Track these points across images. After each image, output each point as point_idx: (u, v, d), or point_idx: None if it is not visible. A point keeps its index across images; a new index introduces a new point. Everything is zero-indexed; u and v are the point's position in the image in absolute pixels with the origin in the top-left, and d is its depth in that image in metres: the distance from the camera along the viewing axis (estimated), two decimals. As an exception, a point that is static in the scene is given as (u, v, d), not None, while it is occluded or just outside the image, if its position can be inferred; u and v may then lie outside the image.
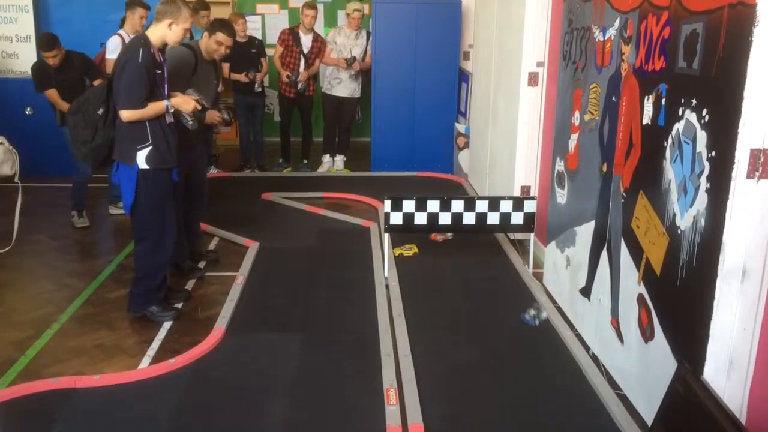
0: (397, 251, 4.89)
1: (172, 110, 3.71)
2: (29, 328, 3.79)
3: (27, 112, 6.88)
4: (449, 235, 5.09)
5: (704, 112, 2.43)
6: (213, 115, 4.25)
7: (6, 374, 3.29)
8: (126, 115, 3.55)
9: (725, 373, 2.42)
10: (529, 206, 4.55)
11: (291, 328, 3.81)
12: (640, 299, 2.93)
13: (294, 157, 7.67)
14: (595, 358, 3.45)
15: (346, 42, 7.17)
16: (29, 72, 6.07)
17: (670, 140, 2.67)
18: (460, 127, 7.24)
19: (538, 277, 4.52)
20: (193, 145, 4.29)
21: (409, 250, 4.93)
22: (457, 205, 4.54)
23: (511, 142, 5.22)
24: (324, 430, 2.89)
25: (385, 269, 4.57)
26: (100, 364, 3.42)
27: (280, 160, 7.66)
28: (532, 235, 4.69)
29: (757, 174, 2.25)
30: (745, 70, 2.19)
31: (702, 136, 2.44)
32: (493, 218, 4.57)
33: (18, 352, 3.51)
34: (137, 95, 3.53)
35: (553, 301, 4.13)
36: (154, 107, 3.61)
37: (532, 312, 3.84)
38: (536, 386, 3.23)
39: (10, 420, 2.91)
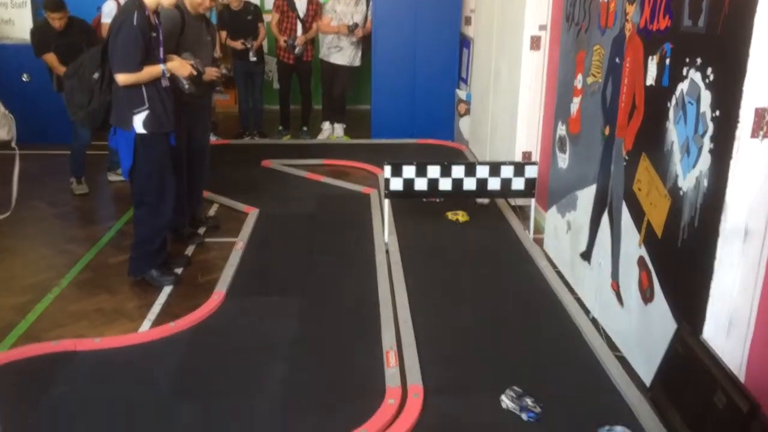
0: (449, 214, 4.90)
1: (168, 74, 3.67)
2: (29, 292, 3.79)
3: (24, 79, 6.82)
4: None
5: (709, 71, 2.39)
6: (211, 72, 4.18)
7: (7, 338, 3.30)
8: (122, 78, 3.51)
9: (725, 333, 2.42)
10: (531, 171, 4.51)
11: (291, 292, 3.81)
12: (641, 262, 2.93)
13: (294, 124, 7.62)
14: (594, 322, 3.46)
15: (346, 9, 7.06)
16: (25, 38, 6.00)
17: (673, 101, 2.63)
18: (461, 93, 7.18)
19: (539, 242, 4.51)
20: (191, 111, 4.24)
21: (455, 215, 4.90)
22: (458, 171, 4.51)
23: (513, 107, 5.17)
24: (324, 392, 2.90)
25: (385, 235, 4.56)
26: (100, 328, 3.43)
27: (280, 128, 7.62)
28: (533, 201, 4.66)
29: (761, 133, 2.22)
30: (751, 27, 2.16)
31: (706, 96, 2.40)
32: (494, 183, 4.54)
33: (18, 316, 3.52)
34: (132, 58, 3.48)
35: (554, 266, 4.13)
36: (150, 71, 3.56)
37: (529, 402, 2.76)
38: (535, 349, 3.24)
39: (11, 382, 2.92)
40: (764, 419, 2.07)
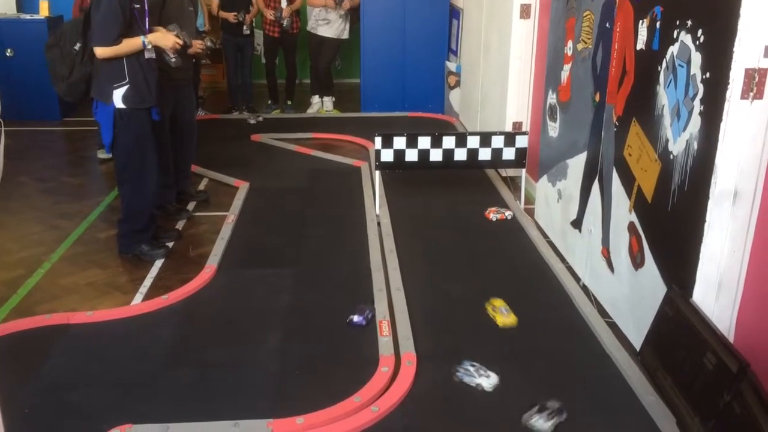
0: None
1: (150, 46, 3.58)
2: (20, 267, 3.77)
3: (8, 54, 6.71)
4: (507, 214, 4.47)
5: (699, 32, 2.38)
6: (197, 45, 4.09)
7: (-2, 312, 3.30)
8: (99, 51, 3.45)
9: (714, 295, 2.44)
10: (521, 141, 4.51)
11: (283, 264, 3.81)
12: (631, 227, 2.94)
13: (282, 98, 7.56)
14: (585, 289, 3.48)
15: (334, -19, 6.98)
16: (7, 13, 5.88)
17: (664, 64, 2.63)
18: (451, 65, 7.13)
19: (530, 212, 4.52)
20: (177, 85, 4.20)
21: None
22: (449, 141, 4.49)
23: (503, 77, 5.15)
24: (318, 362, 2.91)
25: (376, 207, 4.55)
26: (92, 302, 3.41)
27: (269, 102, 7.56)
28: (523, 171, 4.66)
29: (751, 94, 2.22)
30: (742, -13, 2.14)
31: (696, 58, 2.40)
32: (484, 154, 4.53)
33: (9, 290, 3.50)
34: (109, 31, 3.41)
35: (545, 235, 4.14)
36: (129, 44, 3.49)
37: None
38: (526, 317, 3.25)
39: (4, 355, 2.92)
40: (753, 378, 2.09)
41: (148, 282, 3.64)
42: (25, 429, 2.45)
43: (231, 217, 4.42)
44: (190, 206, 4.68)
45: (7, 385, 2.66)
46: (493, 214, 4.44)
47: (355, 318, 3.17)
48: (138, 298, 3.46)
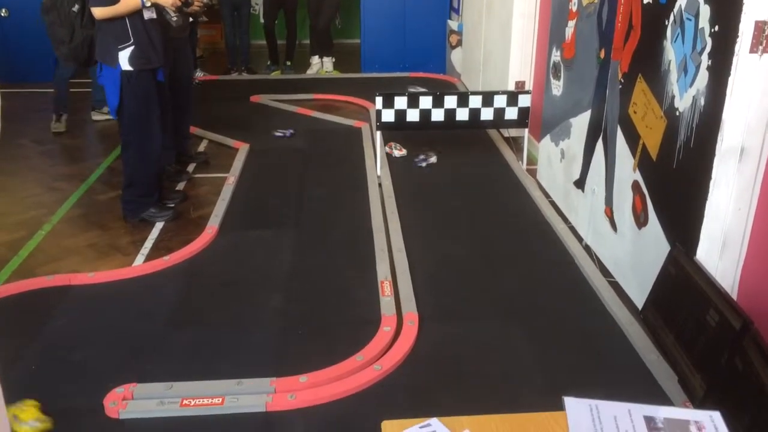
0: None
1: (149, 4, 3.51)
2: (20, 229, 3.76)
3: (2, 14, 6.60)
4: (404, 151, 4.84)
5: (709, -16, 2.32)
6: (195, 1, 4.00)
7: None
8: (98, 12, 3.37)
9: (718, 254, 2.43)
10: (524, 101, 4.45)
11: (284, 226, 3.79)
12: (635, 186, 2.91)
13: (282, 59, 7.47)
14: (587, 249, 3.47)
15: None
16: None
17: (671, 18, 2.56)
18: (453, 24, 7.01)
19: (532, 173, 4.49)
20: (175, 45, 4.12)
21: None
22: (450, 101, 4.44)
23: (506, 35, 5.06)
24: (320, 321, 2.91)
25: (377, 168, 4.52)
26: (94, 263, 3.41)
27: (268, 63, 7.47)
28: (526, 131, 4.61)
29: (760, 48, 2.17)
30: (754, -65, 2.07)
31: (705, 11, 2.34)
32: (486, 114, 4.48)
33: (10, 252, 3.49)
34: None
35: (547, 196, 4.12)
36: (128, 3, 3.40)
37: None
38: (528, 277, 3.26)
39: (7, 316, 2.92)
40: (756, 335, 2.09)
41: (149, 243, 3.63)
42: (30, 388, 2.46)
43: (231, 178, 4.39)
44: (190, 168, 4.65)
45: (9, 346, 2.67)
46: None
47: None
48: (139, 260, 3.46)
